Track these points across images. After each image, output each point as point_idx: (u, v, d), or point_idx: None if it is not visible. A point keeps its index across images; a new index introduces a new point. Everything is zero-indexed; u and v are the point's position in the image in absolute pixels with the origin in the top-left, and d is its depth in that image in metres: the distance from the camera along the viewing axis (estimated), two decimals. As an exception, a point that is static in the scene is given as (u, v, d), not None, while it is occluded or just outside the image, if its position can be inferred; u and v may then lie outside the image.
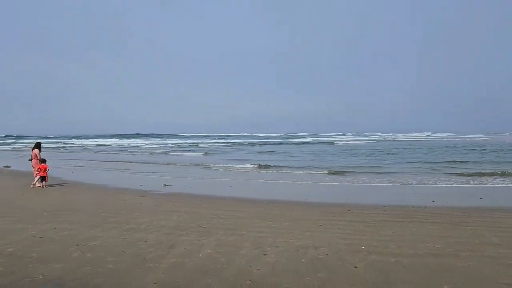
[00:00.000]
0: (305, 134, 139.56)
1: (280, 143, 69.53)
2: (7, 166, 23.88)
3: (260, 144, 67.47)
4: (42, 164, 15.15)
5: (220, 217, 9.41)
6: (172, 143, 70.88)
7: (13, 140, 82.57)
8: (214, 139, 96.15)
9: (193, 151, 45.30)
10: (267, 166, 23.86)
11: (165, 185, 15.43)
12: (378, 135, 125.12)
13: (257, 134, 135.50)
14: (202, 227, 8.39)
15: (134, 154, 39.93)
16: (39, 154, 15.70)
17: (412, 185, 16.07)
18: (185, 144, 66.51)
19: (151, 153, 41.55)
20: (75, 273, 5.46)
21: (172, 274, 5.45)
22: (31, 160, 15.64)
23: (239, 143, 69.91)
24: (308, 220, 9.17)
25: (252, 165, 24.13)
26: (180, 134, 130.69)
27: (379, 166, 24.42)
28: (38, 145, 16.07)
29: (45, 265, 5.80)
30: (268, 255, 6.37)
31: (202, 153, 40.13)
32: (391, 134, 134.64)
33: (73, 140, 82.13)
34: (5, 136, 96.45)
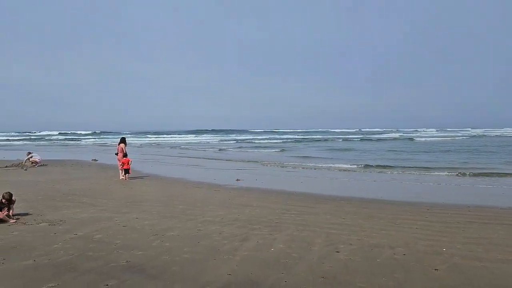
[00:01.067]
0: (384, 130, 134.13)
1: (353, 140, 67.45)
2: (95, 160, 25.93)
3: (336, 140, 66.11)
4: (126, 158, 16.22)
5: (291, 213, 9.41)
6: (242, 139, 72.07)
7: (95, 137, 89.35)
8: (286, 134, 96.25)
9: (269, 147, 45.08)
10: (369, 166, 23.00)
11: (237, 180, 15.76)
12: (467, 130, 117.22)
13: (334, 130, 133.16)
14: (274, 221, 8.44)
15: (205, 150, 41.28)
16: (125, 148, 16.80)
17: (503, 186, 14.80)
18: (258, 140, 67.12)
19: (223, 149, 42.68)
20: (155, 261, 5.78)
21: (245, 267, 5.55)
22: (117, 154, 16.81)
23: (315, 139, 68.15)
24: (383, 218, 8.83)
25: (355, 165, 22.30)
26: (251, 130, 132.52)
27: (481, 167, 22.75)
28: (123, 140, 17.21)
29: (128, 252, 6.20)
30: (341, 252, 6.24)
31: (278, 150, 39.20)
32: (483, 129, 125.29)
33: (149, 136, 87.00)
34: (93, 133, 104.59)
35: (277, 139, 70.32)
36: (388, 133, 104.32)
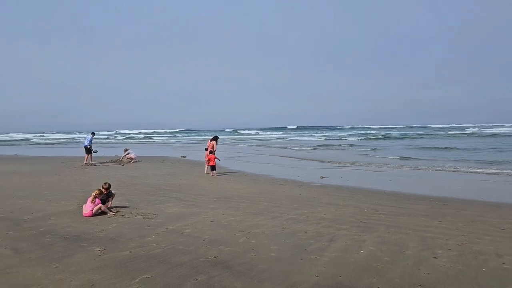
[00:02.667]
0: (473, 124, 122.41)
1: (459, 136, 62.20)
2: (184, 156, 27.25)
3: (430, 136, 61.61)
4: (211, 154, 16.75)
5: (381, 213, 8.92)
6: (328, 135, 70.58)
7: (183, 135, 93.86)
8: (374, 130, 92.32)
9: (359, 146, 43.59)
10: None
11: (322, 177, 15.44)
12: None
13: (432, 125, 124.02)
14: (362, 222, 8.05)
15: (290, 148, 41.23)
16: (215, 146, 17.35)
17: None
18: (345, 137, 65.27)
19: (309, 147, 42.29)
20: (242, 258, 5.79)
21: (333, 269, 5.32)
22: (207, 149, 17.41)
23: (409, 136, 62.88)
24: (487, 222, 7.98)
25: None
26: (340, 127, 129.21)
27: None
28: (215, 138, 17.79)
29: (216, 247, 6.31)
30: (439, 258, 5.72)
31: (370, 149, 35.43)
32: None
33: (239, 132, 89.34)
34: (185, 130, 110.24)
35: (364, 135, 67.48)
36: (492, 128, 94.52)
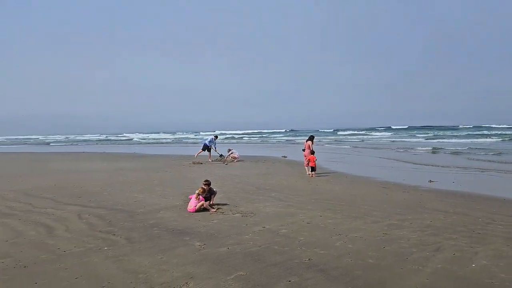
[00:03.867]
0: None
1: None
2: (284, 156, 27.52)
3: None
4: (312, 155, 16.62)
5: (499, 223, 7.94)
6: (438, 135, 65.24)
7: (286, 135, 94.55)
8: (490, 130, 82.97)
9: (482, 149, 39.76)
10: None
11: (430, 181, 14.33)
12: None
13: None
14: (475, 232, 7.26)
15: (393, 149, 39.09)
16: (312, 146, 17.25)
17: None
18: (462, 139, 59.77)
19: (414, 148, 39.70)
20: (337, 262, 5.61)
21: (437, 282, 4.87)
22: (304, 150, 17.38)
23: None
24: None
25: None
26: (458, 126, 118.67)
27: None
28: (311, 138, 17.70)
29: (311, 249, 6.21)
30: None
31: (493, 153, 28.35)
32: None
33: (339, 133, 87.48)
34: (291, 130, 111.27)
35: (482, 136, 60.77)
36: None
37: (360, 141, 56.79)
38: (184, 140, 74.38)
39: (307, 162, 16.76)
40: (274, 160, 25.23)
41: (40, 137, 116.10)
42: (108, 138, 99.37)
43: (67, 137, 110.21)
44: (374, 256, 5.86)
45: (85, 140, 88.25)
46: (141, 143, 68.28)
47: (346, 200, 10.63)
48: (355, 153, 32.06)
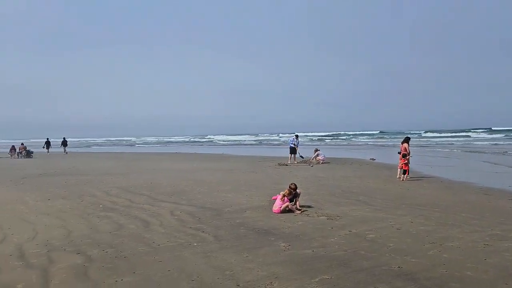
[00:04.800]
0: None
1: None
2: (373, 159, 26.51)
3: None
4: (403, 158, 15.74)
5: None
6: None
7: (374, 137, 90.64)
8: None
9: None
10: None
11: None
12: None
13: None
14: None
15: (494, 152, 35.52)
16: (408, 148, 16.31)
17: None
18: None
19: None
20: (430, 272, 5.24)
21: (551, 302, 4.31)
22: (399, 153, 16.52)
23: None
24: None
25: None
26: None
27: None
28: (407, 140, 16.76)
29: (401, 257, 5.88)
30: None
31: None
32: None
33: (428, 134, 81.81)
34: (380, 132, 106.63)
35: None
36: None
37: (457, 143, 52.68)
38: (266, 142, 75.49)
39: (401, 165, 15.93)
40: (361, 162, 24.46)
41: (133, 139, 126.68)
42: (193, 140, 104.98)
43: (158, 139, 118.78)
44: (473, 269, 5.37)
45: (170, 142, 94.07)
46: (224, 144, 70.73)
47: (440, 206, 9.91)
48: (455, 157, 29.80)
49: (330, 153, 30.12)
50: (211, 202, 10.70)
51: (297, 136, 25.16)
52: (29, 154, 37.08)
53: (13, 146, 39.64)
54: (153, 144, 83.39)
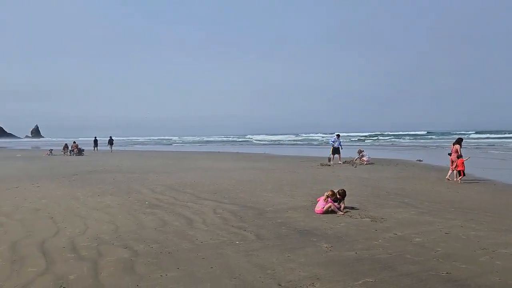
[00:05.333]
0: None
1: None
2: (419, 160, 25.60)
3: None
4: (460, 159, 15.08)
5: None
6: None
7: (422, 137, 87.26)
8: None
9: None
10: None
11: None
12: None
13: None
14: None
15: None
16: (460, 149, 15.65)
17: None
18: None
19: None
20: (481, 279, 4.99)
21: None
22: (450, 154, 15.88)
23: None
24: None
25: None
26: None
27: None
28: (459, 141, 16.10)
29: (449, 262, 5.64)
30: None
31: None
32: None
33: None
34: (427, 133, 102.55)
35: None
36: None
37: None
38: (307, 142, 74.82)
39: (454, 166, 15.28)
40: (407, 163, 23.69)
41: (173, 137, 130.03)
42: (233, 139, 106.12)
43: (201, 138, 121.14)
44: (530, 277, 5.05)
45: (210, 141, 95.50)
46: (264, 144, 70.82)
47: (493, 211, 9.41)
48: (508, 158, 28.21)
49: (373, 154, 29.43)
50: (253, 201, 10.75)
51: (338, 135, 24.79)
52: (80, 152, 38.93)
53: (66, 144, 41.81)
54: (194, 143, 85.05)
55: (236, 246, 6.53)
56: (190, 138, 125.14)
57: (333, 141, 24.28)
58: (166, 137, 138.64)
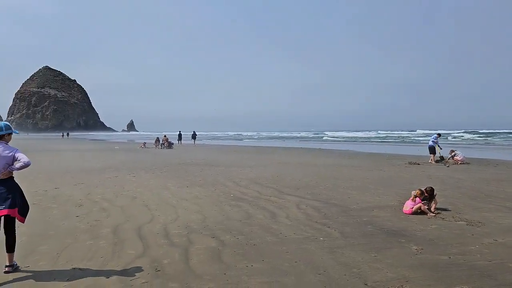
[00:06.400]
0: None
1: None
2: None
3: None
4: None
5: None
6: None
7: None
8: None
9: None
10: None
11: None
12: None
13: None
14: None
15: None
16: None
17: None
18: None
19: None
20: None
21: None
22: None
23: None
24: None
25: None
26: None
27: None
28: None
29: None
30: None
31: None
32: None
33: None
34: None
35: None
36: None
37: None
38: (392, 139, 71.35)
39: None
40: (509, 164, 21.56)
41: (250, 133, 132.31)
42: (315, 135, 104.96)
43: (278, 134, 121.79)
44: None
45: (290, 137, 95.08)
46: (346, 140, 68.97)
47: None
48: None
49: (469, 153, 27.26)
50: (337, 198, 10.57)
51: (439, 134, 23.55)
52: (170, 145, 41.46)
53: (157, 138, 44.83)
54: (272, 139, 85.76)
55: (320, 243, 6.48)
56: (268, 134, 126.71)
57: (433, 140, 22.86)
58: (244, 133, 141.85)
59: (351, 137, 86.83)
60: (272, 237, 6.82)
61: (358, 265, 5.41)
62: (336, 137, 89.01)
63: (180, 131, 51.30)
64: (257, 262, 5.53)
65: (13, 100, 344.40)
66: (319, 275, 5.04)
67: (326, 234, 7.03)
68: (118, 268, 5.26)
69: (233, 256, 5.80)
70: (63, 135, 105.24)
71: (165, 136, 43.69)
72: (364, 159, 25.30)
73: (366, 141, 66.58)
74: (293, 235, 6.95)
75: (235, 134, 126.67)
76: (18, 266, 5.22)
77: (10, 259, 5.12)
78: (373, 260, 5.60)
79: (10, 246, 5.10)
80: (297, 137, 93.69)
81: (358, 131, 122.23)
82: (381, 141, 65.25)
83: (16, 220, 5.14)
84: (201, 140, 62.85)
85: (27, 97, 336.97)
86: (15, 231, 5.17)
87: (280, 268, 5.27)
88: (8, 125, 5.19)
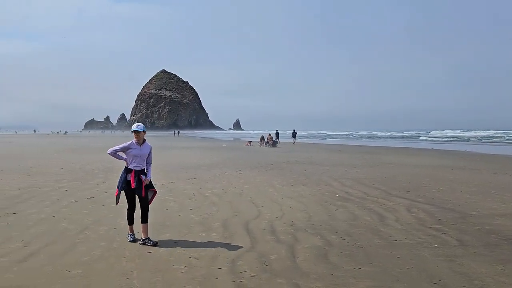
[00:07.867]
0: None
1: None
2: None
3: None
4: None
5: None
6: None
7: None
8: None
9: None
10: None
11: None
12: None
13: None
14: None
15: None
16: None
17: None
18: None
19: None
20: None
21: None
22: None
23: None
24: None
25: None
26: None
27: None
28: None
29: None
30: None
31: None
32: None
33: None
34: None
35: None
36: None
37: None
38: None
39: None
40: None
41: (361, 132, 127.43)
42: (432, 134, 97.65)
43: (388, 133, 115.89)
44: None
45: (401, 137, 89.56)
46: (470, 140, 62.90)
47: None
48: None
49: None
50: (453, 203, 9.73)
51: None
52: (274, 143, 42.27)
53: (262, 136, 46.08)
54: (385, 138, 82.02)
55: (434, 250, 6.04)
56: (377, 133, 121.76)
57: None
58: (355, 131, 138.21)
59: (461, 137, 79.34)
60: (381, 240, 6.54)
61: (480, 277, 4.91)
62: (447, 136, 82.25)
63: (277, 130, 52.10)
64: (365, 265, 5.35)
65: (135, 101, 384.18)
66: (435, 284, 4.69)
67: (441, 241, 6.51)
68: (229, 260, 5.51)
69: (339, 257, 5.69)
70: (175, 133, 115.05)
71: (269, 134, 44.71)
72: (487, 162, 22.92)
73: (485, 141, 60.21)
74: (403, 239, 6.58)
75: (347, 134, 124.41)
76: (156, 242, 6.28)
77: (145, 231, 6.29)
78: (498, 273, 5.04)
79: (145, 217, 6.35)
80: (407, 137, 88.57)
81: (469, 130, 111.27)
82: (505, 142, 58.42)
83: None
84: (308, 138, 62.48)
85: (147, 98, 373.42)
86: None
87: (391, 273, 5.03)
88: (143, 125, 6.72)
